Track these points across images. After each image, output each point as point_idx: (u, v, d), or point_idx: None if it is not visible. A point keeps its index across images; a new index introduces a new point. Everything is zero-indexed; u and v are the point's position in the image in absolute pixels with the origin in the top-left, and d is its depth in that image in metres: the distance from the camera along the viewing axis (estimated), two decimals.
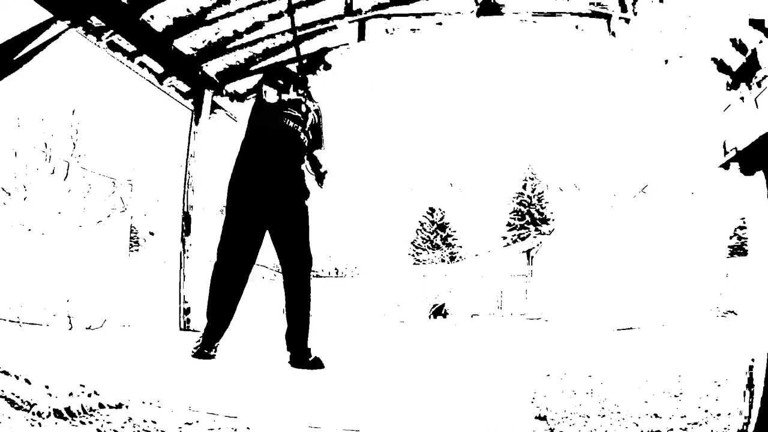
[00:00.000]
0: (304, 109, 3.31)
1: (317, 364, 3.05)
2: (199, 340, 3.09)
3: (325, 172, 3.36)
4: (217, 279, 3.09)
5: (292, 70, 3.47)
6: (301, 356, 3.06)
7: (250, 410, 1.89)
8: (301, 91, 3.33)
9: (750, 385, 1.46)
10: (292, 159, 3.22)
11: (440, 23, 4.66)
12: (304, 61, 3.46)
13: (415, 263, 36.37)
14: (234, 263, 3.09)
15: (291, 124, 3.22)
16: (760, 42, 3.80)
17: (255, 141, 3.19)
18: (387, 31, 4.77)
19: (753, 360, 1.46)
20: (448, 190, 37.02)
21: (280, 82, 3.23)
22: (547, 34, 4.74)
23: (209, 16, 4.35)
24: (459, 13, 4.59)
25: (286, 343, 3.11)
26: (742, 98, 4.09)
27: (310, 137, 3.36)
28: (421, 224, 39.08)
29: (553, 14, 4.54)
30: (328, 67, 3.48)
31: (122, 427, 1.53)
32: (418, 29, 4.74)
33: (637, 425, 1.78)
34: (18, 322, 4.19)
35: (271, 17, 4.54)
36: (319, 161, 3.38)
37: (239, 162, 3.20)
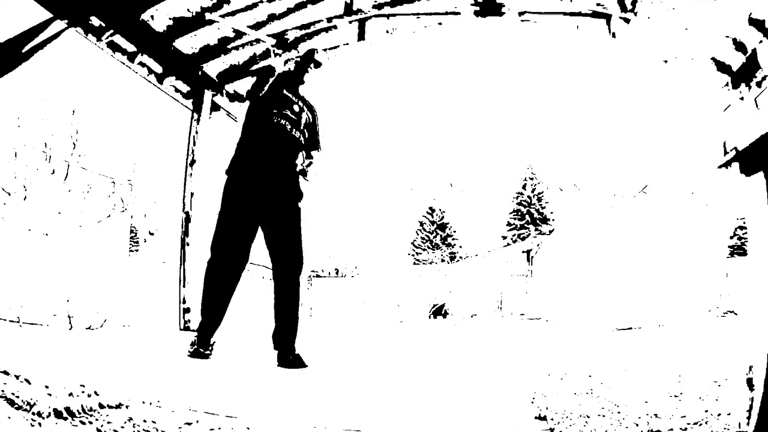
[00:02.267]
0: (297, 108, 3.30)
1: (299, 362, 3.05)
2: (194, 341, 3.11)
3: (310, 164, 3.35)
4: (211, 276, 3.12)
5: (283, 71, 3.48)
6: (286, 356, 3.07)
7: (250, 410, 1.89)
8: (292, 92, 3.34)
9: (750, 385, 1.46)
10: (286, 159, 3.22)
11: (440, 23, 4.66)
12: (293, 62, 3.44)
13: (415, 263, 36.38)
14: (227, 261, 3.11)
15: (283, 122, 3.23)
16: (760, 42, 3.80)
17: (249, 141, 3.21)
18: (387, 31, 4.77)
19: (753, 360, 1.46)
20: (448, 190, 37.04)
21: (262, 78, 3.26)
22: (547, 34, 4.74)
23: (209, 16, 4.35)
24: (459, 13, 4.59)
25: (273, 343, 3.11)
26: (742, 98, 4.09)
27: (306, 136, 3.35)
28: (421, 224, 39.09)
29: (553, 14, 4.54)
30: (318, 65, 3.45)
31: (122, 427, 1.53)
32: (418, 29, 4.74)
33: (637, 425, 1.78)
34: (18, 322, 4.19)
35: (271, 17, 4.54)
36: (310, 155, 3.37)
37: (233, 162, 3.22)
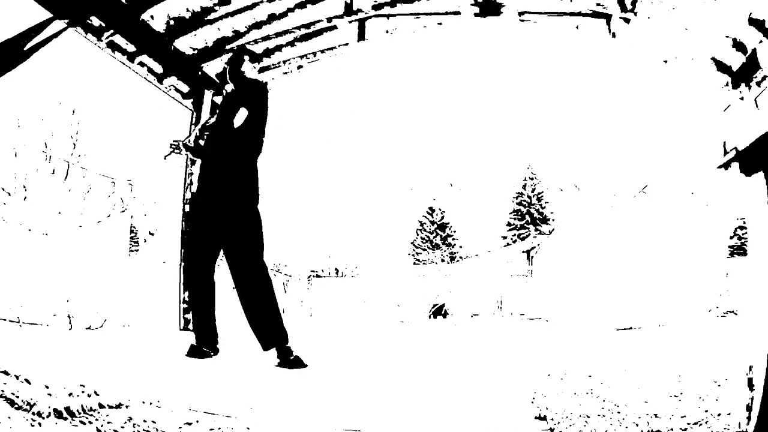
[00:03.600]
0: (227, 109, 3.22)
1: (298, 363, 3.03)
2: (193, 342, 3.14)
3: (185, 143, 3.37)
4: (188, 283, 3.22)
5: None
6: (269, 340, 3.07)
7: (249, 410, 1.89)
8: (231, 85, 3.33)
9: (750, 385, 1.46)
10: (232, 168, 3.17)
11: (440, 23, 4.66)
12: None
13: (415, 263, 36.37)
14: (197, 273, 3.21)
15: (206, 136, 3.30)
16: (760, 42, 3.80)
17: (201, 167, 3.33)
18: (387, 31, 4.77)
19: (753, 360, 1.46)
20: (448, 190, 37.04)
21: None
22: (547, 34, 4.73)
23: (209, 16, 4.35)
24: (459, 13, 4.59)
25: (260, 343, 3.11)
26: (742, 98, 4.09)
27: (249, 129, 3.17)
28: (421, 224, 39.08)
29: (553, 14, 4.54)
30: (255, 58, 3.40)
31: (122, 427, 1.53)
32: (418, 29, 4.74)
33: (637, 425, 1.78)
34: (18, 322, 4.19)
35: (271, 17, 4.53)
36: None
37: (198, 178, 3.36)
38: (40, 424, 1.41)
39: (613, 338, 6.38)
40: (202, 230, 3.19)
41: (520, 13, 4.51)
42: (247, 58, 3.33)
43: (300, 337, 3.21)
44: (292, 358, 3.05)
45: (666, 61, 4.40)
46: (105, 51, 4.12)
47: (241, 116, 3.15)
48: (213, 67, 4.95)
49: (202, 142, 3.46)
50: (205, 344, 3.12)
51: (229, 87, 3.38)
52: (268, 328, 3.06)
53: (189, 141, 3.40)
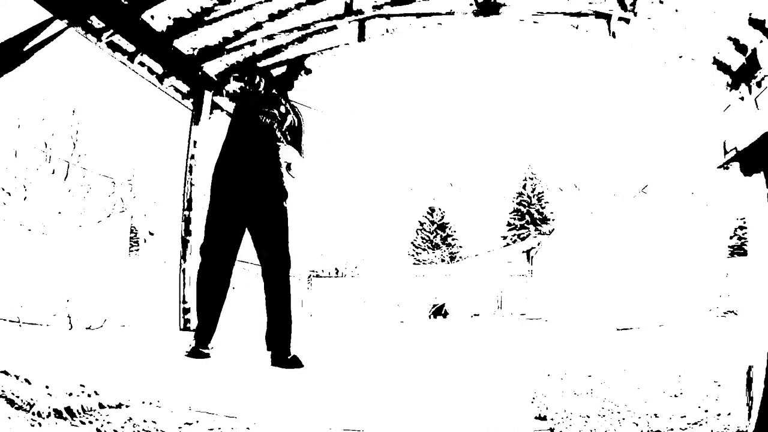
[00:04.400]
0: (282, 110, 3.30)
1: (296, 363, 3.04)
2: (192, 342, 3.12)
3: (290, 163, 3.33)
4: (202, 279, 3.14)
5: (271, 72, 3.50)
6: (280, 355, 3.06)
7: (250, 410, 1.89)
8: (281, 95, 3.34)
9: (750, 385, 1.46)
10: (270, 157, 3.20)
11: (440, 23, 4.66)
12: (284, 67, 3.45)
13: (415, 263, 36.38)
14: (216, 263, 3.13)
15: (267, 121, 3.23)
16: (760, 42, 3.80)
17: (234, 139, 3.22)
18: (387, 31, 4.77)
19: (753, 360, 1.46)
20: (448, 190, 37.03)
21: (250, 77, 3.26)
22: (547, 34, 4.74)
23: (209, 16, 4.35)
24: (459, 13, 4.59)
25: (266, 344, 3.11)
26: (742, 98, 4.09)
27: (288, 139, 3.32)
28: (421, 224, 39.09)
29: (553, 14, 4.54)
30: (308, 72, 3.46)
31: (122, 427, 1.53)
32: (418, 29, 4.74)
33: (637, 425, 1.78)
34: (18, 322, 4.19)
35: (271, 17, 4.54)
36: (291, 155, 3.34)
37: (219, 161, 3.24)
38: (40, 424, 1.41)
39: (613, 338, 6.38)
40: (226, 219, 3.13)
41: (520, 15, 4.51)
42: (303, 72, 3.42)
43: (300, 338, 3.21)
44: (289, 357, 3.05)
45: (666, 61, 4.40)
46: (105, 51, 4.12)
47: (288, 121, 3.29)
48: (213, 67, 4.95)
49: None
50: (205, 345, 3.12)
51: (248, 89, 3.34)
52: (281, 341, 3.08)
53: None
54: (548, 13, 4.52)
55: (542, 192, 37.05)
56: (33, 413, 1.45)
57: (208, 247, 3.14)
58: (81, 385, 1.75)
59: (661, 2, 4.09)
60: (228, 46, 4.72)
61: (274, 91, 3.32)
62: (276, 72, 3.50)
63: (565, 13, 4.51)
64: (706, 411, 1.90)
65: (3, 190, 4.83)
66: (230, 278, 3.18)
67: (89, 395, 1.69)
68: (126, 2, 3.97)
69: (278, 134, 3.25)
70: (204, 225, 3.22)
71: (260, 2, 4.38)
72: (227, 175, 3.17)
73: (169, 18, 4.28)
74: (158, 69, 4.65)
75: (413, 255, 38.16)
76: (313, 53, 5.04)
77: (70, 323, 4.77)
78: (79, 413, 1.55)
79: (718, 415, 1.82)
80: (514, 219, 37.18)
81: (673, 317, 9.91)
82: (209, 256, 3.14)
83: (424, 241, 38.58)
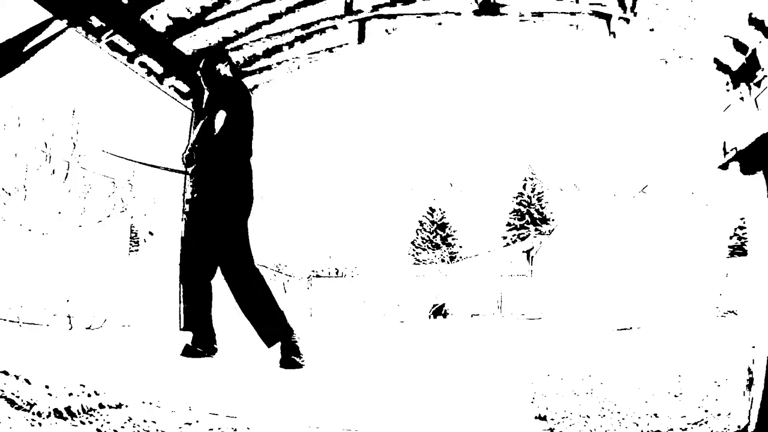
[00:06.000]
0: (211, 108, 3.14)
1: (296, 363, 3.01)
2: (189, 341, 3.14)
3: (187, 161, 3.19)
4: (184, 283, 3.18)
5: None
6: (284, 353, 3.03)
7: (250, 410, 1.89)
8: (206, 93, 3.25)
9: (750, 385, 1.46)
10: (217, 166, 3.11)
11: (440, 23, 4.66)
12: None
13: (415, 263, 36.37)
14: (193, 271, 3.15)
15: (194, 133, 3.19)
16: (760, 42, 3.80)
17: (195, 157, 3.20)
18: (387, 31, 4.77)
19: (753, 360, 1.46)
20: (448, 190, 37.05)
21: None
22: (547, 35, 4.74)
23: (209, 16, 4.35)
24: (459, 13, 4.59)
25: (263, 341, 3.10)
26: (742, 98, 4.09)
27: (231, 132, 3.10)
28: (421, 224, 39.09)
29: (553, 14, 4.54)
30: (227, 59, 3.33)
31: (122, 427, 1.53)
32: (418, 29, 4.74)
33: (637, 425, 1.78)
34: (18, 322, 4.19)
35: (272, 17, 4.54)
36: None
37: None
38: (40, 424, 1.41)
39: (612, 338, 6.38)
40: (197, 242, 3.14)
41: (521, 14, 4.52)
42: (220, 59, 3.23)
43: (300, 337, 3.20)
44: (292, 357, 3.04)
45: (666, 61, 4.40)
46: (105, 51, 4.12)
47: (219, 120, 3.03)
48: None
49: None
50: (201, 344, 3.11)
51: (205, 94, 3.25)
52: (268, 323, 3.04)
53: (183, 158, 3.20)
54: (549, 13, 4.52)
55: (542, 192, 37.06)
56: (33, 413, 1.45)
57: (184, 264, 3.17)
58: (81, 385, 1.75)
59: (658, 4, 4.09)
60: (228, 46, 4.72)
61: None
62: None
63: (565, 13, 4.51)
64: (706, 411, 1.90)
65: (3, 190, 4.83)
66: (210, 287, 3.17)
67: (89, 395, 1.69)
68: (126, 2, 3.97)
69: (216, 146, 3.10)
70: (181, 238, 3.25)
71: (260, 2, 4.38)
72: (192, 210, 3.18)
73: (169, 18, 4.28)
74: (158, 69, 4.65)
75: (413, 255, 38.17)
76: (313, 53, 5.05)
77: (70, 323, 4.76)
78: (79, 413, 1.55)
79: (718, 415, 1.82)
80: (514, 219, 37.18)
81: (673, 317, 9.91)
82: (187, 269, 3.17)
83: (424, 241, 38.59)
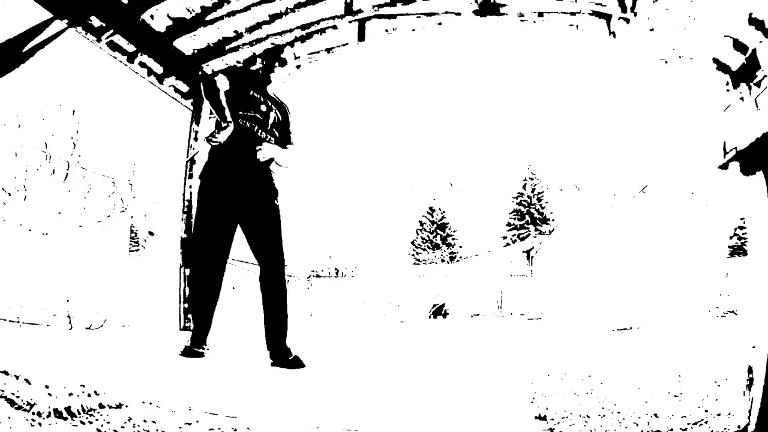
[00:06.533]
0: (264, 108, 3.26)
1: (297, 363, 3.04)
2: (188, 342, 3.13)
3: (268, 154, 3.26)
4: (194, 282, 3.14)
5: (250, 69, 3.46)
6: (280, 355, 3.06)
7: (250, 410, 1.89)
8: (259, 92, 3.29)
9: (750, 385, 1.46)
10: (255, 159, 3.17)
11: (440, 23, 4.66)
12: (259, 62, 3.38)
13: (415, 263, 36.38)
14: (208, 264, 3.13)
15: (248, 124, 3.20)
16: (760, 42, 3.80)
17: (220, 145, 3.20)
18: (387, 31, 4.77)
19: (753, 360, 1.46)
20: (448, 190, 37.04)
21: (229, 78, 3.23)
22: (547, 35, 4.74)
23: (209, 16, 4.35)
24: (459, 13, 4.59)
25: (266, 343, 3.11)
26: (742, 98, 4.09)
27: (276, 135, 3.30)
28: (421, 224, 39.10)
29: (553, 14, 4.54)
30: (283, 63, 3.41)
31: (122, 427, 1.53)
32: (418, 29, 4.74)
33: (637, 425, 1.78)
34: (18, 322, 4.19)
35: (272, 17, 4.54)
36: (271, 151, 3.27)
37: (206, 166, 3.24)
38: (40, 424, 1.41)
39: (612, 338, 6.38)
40: (216, 220, 3.13)
41: (521, 14, 4.52)
42: (278, 64, 3.37)
43: (300, 337, 3.21)
44: (291, 358, 3.05)
45: (666, 61, 4.40)
46: (105, 51, 4.12)
47: (272, 118, 3.27)
48: (213, 67, 4.95)
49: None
50: (199, 345, 3.12)
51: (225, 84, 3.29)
52: (278, 339, 3.09)
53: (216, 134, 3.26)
54: (549, 13, 4.52)
55: (542, 192, 37.07)
56: (33, 413, 1.45)
57: (199, 249, 3.14)
58: (81, 385, 1.75)
59: (655, 2, 4.09)
60: (228, 46, 4.72)
61: (252, 92, 3.28)
62: (248, 66, 3.45)
63: (565, 13, 4.51)
64: (706, 411, 1.90)
65: (3, 190, 4.83)
66: (222, 278, 3.17)
67: (89, 395, 1.69)
68: (126, 2, 3.97)
69: (263, 135, 3.22)
70: (193, 228, 3.24)
71: (260, 2, 4.38)
72: (215, 179, 3.17)
73: (169, 18, 4.29)
74: (158, 69, 4.65)
75: (413, 255, 38.17)
76: (313, 53, 5.05)
77: (70, 323, 4.77)
78: (79, 413, 1.55)
79: (718, 415, 1.82)
80: (514, 219, 37.18)
81: (673, 317, 9.91)
82: (200, 258, 3.14)
83: (424, 241, 38.59)
